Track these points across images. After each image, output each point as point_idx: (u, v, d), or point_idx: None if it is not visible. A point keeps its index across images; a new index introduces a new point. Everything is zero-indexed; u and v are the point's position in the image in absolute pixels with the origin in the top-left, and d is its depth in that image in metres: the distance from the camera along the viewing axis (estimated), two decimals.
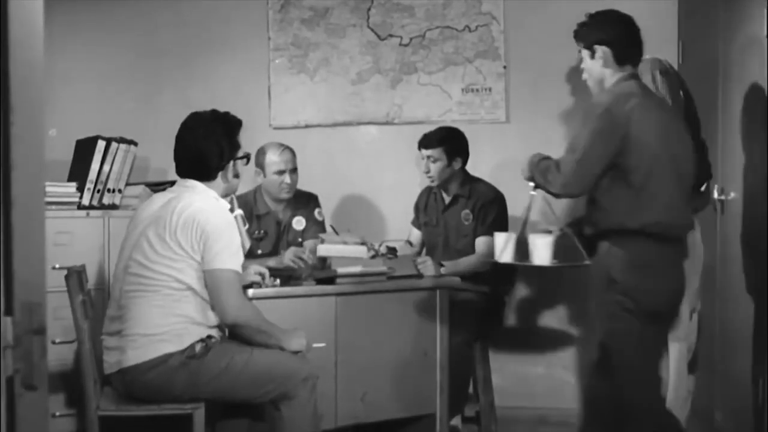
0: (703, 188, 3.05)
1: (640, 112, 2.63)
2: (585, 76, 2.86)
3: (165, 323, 2.57)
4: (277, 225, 3.77)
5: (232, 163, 2.76)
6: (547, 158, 2.76)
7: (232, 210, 3.21)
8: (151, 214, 2.69)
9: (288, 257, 3.47)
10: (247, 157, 2.83)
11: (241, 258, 2.70)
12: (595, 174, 2.64)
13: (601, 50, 2.75)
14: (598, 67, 2.78)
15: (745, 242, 3.04)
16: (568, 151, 2.68)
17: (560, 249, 2.75)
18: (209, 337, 2.64)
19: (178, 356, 2.57)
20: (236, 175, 2.80)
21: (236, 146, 2.78)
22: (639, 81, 2.79)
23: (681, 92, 2.96)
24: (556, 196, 2.77)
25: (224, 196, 2.78)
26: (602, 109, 2.65)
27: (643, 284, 2.64)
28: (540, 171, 2.72)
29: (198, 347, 2.60)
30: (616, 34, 2.75)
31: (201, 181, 2.73)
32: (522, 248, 2.76)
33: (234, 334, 2.73)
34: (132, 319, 2.59)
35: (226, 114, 2.79)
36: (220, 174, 2.74)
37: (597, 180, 2.65)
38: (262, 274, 3.06)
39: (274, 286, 3.08)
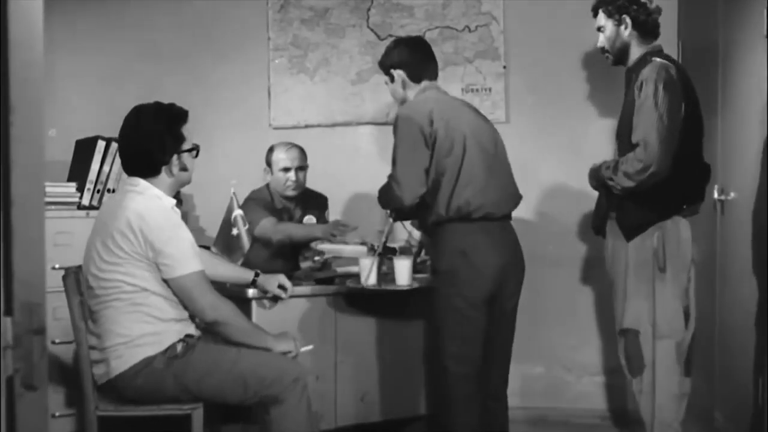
0: (685, 207, 3.04)
1: (439, 110, 2.94)
2: (392, 99, 3.23)
3: (137, 327, 2.55)
4: (289, 221, 3.78)
5: (176, 156, 2.64)
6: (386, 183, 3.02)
7: (231, 210, 3.21)
8: (99, 222, 2.66)
9: (326, 231, 3.50)
10: (195, 149, 2.71)
11: (197, 253, 2.62)
12: (420, 177, 2.90)
13: (396, 73, 3.10)
14: (399, 89, 3.12)
15: (743, 241, 3.03)
16: (393, 166, 2.93)
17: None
18: (189, 336, 2.62)
19: (160, 358, 2.55)
20: (183, 168, 2.66)
21: (180, 138, 2.66)
22: (438, 90, 3.11)
23: (683, 107, 2.90)
24: (402, 209, 2.99)
25: (174, 191, 2.70)
26: (404, 118, 2.94)
27: (465, 269, 2.87)
28: (380, 195, 3.01)
29: (179, 347, 2.57)
30: (405, 57, 3.10)
31: (145, 178, 2.63)
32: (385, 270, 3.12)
33: (213, 333, 2.68)
34: (105, 331, 2.57)
35: (170, 105, 2.70)
36: (164, 168, 2.63)
37: (426, 182, 2.90)
38: (284, 287, 3.02)
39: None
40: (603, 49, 3.15)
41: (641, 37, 3.06)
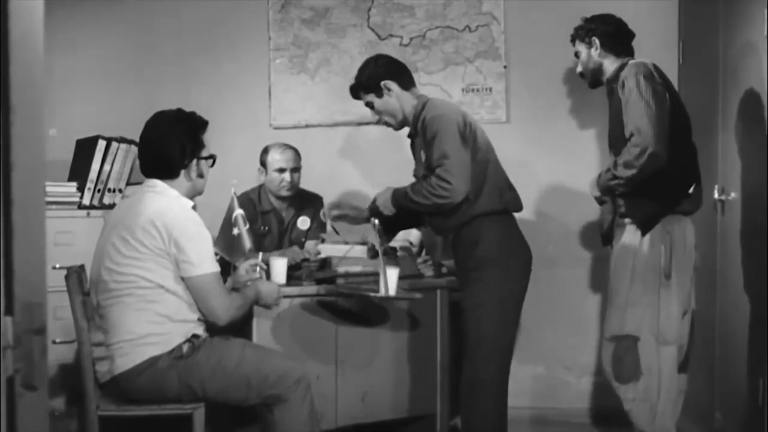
0: (691, 190, 3.04)
1: (463, 110, 3.04)
2: (383, 118, 3.14)
3: (145, 326, 2.56)
4: (280, 223, 3.79)
5: (195, 162, 2.70)
6: (406, 186, 3.02)
7: (232, 209, 3.21)
8: (115, 219, 2.67)
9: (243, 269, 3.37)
10: (212, 158, 2.77)
11: (213, 253, 2.68)
12: (469, 172, 2.90)
13: (388, 85, 3.06)
14: (392, 101, 3.08)
15: (744, 241, 3.04)
16: (440, 162, 2.87)
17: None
18: (195, 336, 2.63)
19: (165, 358, 2.56)
20: (200, 175, 2.73)
21: (200, 145, 2.72)
22: (436, 97, 3.18)
23: (667, 95, 2.96)
24: (452, 202, 2.91)
25: (190, 196, 2.73)
26: (445, 117, 2.93)
27: (511, 260, 2.97)
28: (419, 193, 2.93)
29: (185, 347, 2.58)
30: (392, 68, 3.12)
31: (163, 180, 2.68)
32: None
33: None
34: (113, 327, 2.58)
35: (191, 113, 2.75)
36: (183, 173, 2.69)
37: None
38: (256, 268, 2.97)
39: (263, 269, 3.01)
40: (581, 74, 3.31)
41: (614, 55, 3.19)
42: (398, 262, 3.23)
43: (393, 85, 3.07)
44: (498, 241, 2.96)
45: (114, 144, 3.72)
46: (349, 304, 3.19)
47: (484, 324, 2.93)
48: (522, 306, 3.08)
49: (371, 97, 3.11)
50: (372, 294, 2.98)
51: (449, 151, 2.87)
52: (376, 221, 3.05)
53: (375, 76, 3.09)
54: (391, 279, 2.92)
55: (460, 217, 2.97)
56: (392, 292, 2.93)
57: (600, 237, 3.24)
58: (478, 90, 4.17)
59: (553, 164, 4.08)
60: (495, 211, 2.97)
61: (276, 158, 3.73)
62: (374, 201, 3.12)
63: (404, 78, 3.11)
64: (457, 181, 2.85)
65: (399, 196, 3.02)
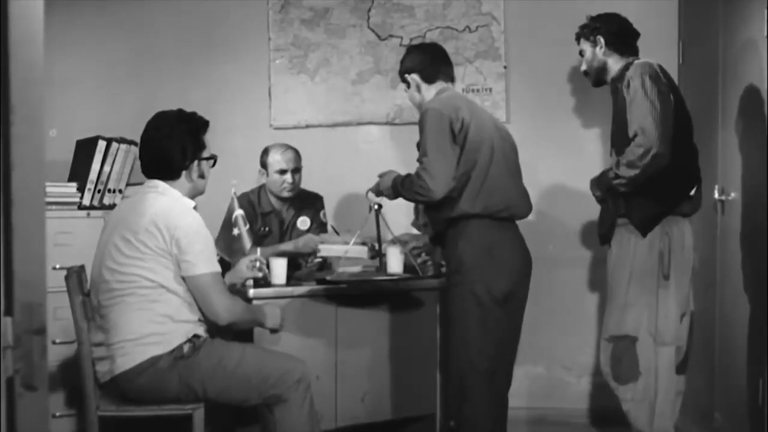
0: (692, 192, 3.04)
1: (468, 107, 2.98)
2: (409, 104, 3.24)
3: (146, 326, 2.56)
4: (281, 224, 3.79)
5: (196, 163, 2.71)
6: (404, 175, 3.00)
7: (232, 210, 3.21)
8: (117, 219, 2.68)
9: (302, 243, 3.49)
10: (213, 158, 2.78)
11: (215, 254, 2.69)
12: (452, 170, 2.89)
13: (411, 78, 3.13)
14: (415, 93, 3.15)
15: (744, 242, 3.04)
16: (423, 157, 2.89)
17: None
18: (196, 336, 2.63)
19: (166, 358, 2.56)
20: (201, 176, 2.74)
21: (201, 146, 2.73)
22: (457, 92, 3.23)
23: (671, 96, 2.96)
24: (430, 201, 2.94)
25: (191, 197, 2.74)
26: (435, 112, 2.93)
27: (491, 265, 2.90)
28: (406, 188, 2.96)
29: (186, 347, 2.59)
30: (416, 60, 3.14)
31: (165, 181, 2.69)
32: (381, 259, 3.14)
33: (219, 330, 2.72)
34: (114, 327, 2.58)
35: (192, 114, 2.75)
36: (184, 173, 2.69)
37: (455, 176, 2.90)
38: (256, 265, 2.97)
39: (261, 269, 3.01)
40: (585, 72, 3.33)
41: (618, 54, 3.21)
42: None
43: (415, 77, 3.13)
44: (475, 244, 2.92)
45: (114, 144, 3.72)
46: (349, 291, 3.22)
47: (466, 329, 2.91)
48: (517, 310, 3.04)
49: (405, 87, 3.20)
50: (375, 278, 3.02)
51: (429, 149, 2.88)
52: (375, 205, 3.09)
53: (402, 69, 3.20)
54: (394, 258, 2.98)
55: (446, 214, 2.97)
56: (397, 269, 2.96)
57: (598, 236, 3.24)
58: (478, 90, 4.17)
59: (553, 164, 4.08)
60: (473, 215, 2.93)
61: (277, 159, 3.73)
62: (377, 183, 3.15)
63: (428, 70, 3.13)
64: (433, 182, 2.85)
65: (393, 185, 3.04)
